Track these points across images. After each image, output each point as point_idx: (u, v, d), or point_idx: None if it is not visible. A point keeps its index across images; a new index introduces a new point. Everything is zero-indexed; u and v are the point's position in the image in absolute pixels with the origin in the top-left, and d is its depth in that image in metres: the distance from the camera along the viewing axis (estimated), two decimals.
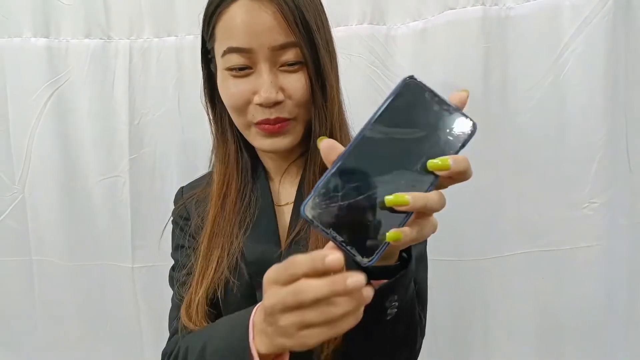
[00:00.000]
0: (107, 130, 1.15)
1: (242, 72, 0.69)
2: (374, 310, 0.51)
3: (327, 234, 0.43)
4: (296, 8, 0.66)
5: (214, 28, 0.70)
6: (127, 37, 1.12)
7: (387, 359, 0.62)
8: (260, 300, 0.53)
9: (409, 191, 0.43)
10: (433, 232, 0.48)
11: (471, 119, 0.45)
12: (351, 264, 0.45)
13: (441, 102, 0.46)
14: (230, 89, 0.70)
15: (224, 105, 0.76)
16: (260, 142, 0.72)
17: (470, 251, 1.11)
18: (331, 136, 0.70)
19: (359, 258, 0.43)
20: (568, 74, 1.02)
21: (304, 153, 0.76)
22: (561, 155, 1.06)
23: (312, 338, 0.46)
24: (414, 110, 0.46)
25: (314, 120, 0.71)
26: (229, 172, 0.77)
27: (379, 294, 0.52)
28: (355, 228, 0.44)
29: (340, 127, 0.74)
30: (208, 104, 0.79)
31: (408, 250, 0.56)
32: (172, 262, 0.83)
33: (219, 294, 0.72)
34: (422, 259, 0.77)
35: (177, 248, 0.82)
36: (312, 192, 0.44)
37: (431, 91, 0.46)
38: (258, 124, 0.70)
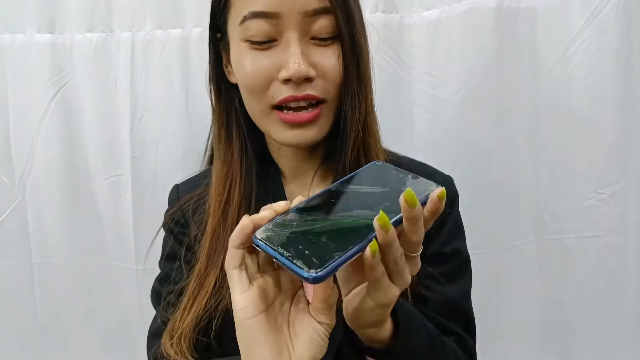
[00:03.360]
0: (110, 128, 1.10)
1: (265, 45, 0.59)
2: None
3: (274, 250, 0.41)
4: None
5: None
6: (129, 30, 1.06)
7: None
8: None
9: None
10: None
11: (436, 183, 0.46)
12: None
13: (405, 173, 0.49)
14: (249, 65, 0.59)
15: (232, 93, 0.66)
16: (281, 133, 0.62)
17: (473, 244, 1.09)
18: (364, 126, 0.62)
19: (305, 271, 0.39)
20: (577, 65, 1.01)
21: (328, 150, 0.67)
22: (570, 147, 1.05)
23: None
24: (378, 177, 0.49)
25: (346, 106, 0.61)
26: (231, 174, 0.66)
27: None
28: (305, 246, 0.41)
29: (372, 116, 0.65)
30: (213, 91, 0.68)
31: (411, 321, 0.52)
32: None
33: (214, 324, 0.60)
34: (457, 275, 0.71)
35: (167, 258, 0.71)
36: (269, 223, 0.43)
37: (396, 168, 0.50)
38: (279, 106, 0.60)
